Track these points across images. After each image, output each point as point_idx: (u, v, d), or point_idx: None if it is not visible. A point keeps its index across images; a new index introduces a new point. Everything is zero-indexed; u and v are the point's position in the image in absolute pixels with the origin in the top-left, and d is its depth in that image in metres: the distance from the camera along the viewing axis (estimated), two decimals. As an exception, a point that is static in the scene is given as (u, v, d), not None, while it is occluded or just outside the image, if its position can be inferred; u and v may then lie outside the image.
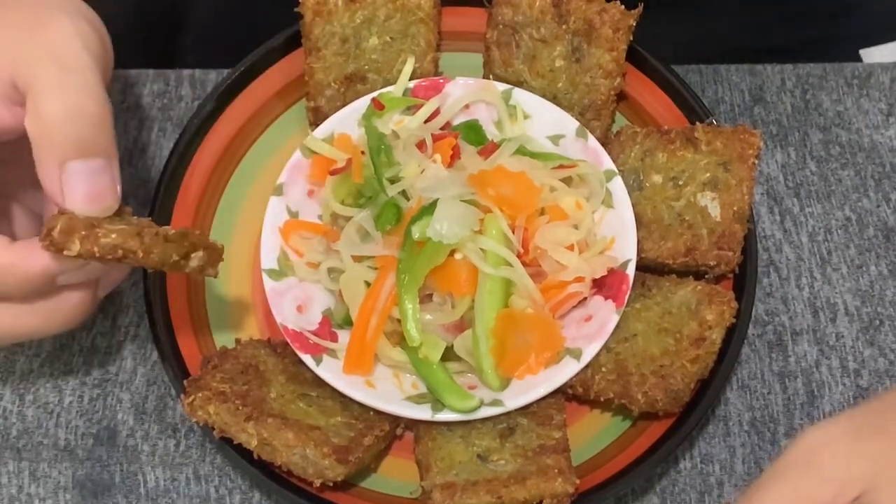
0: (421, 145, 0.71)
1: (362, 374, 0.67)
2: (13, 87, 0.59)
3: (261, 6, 0.89)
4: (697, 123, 0.72)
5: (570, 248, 0.68)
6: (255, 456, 0.64)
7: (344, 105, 0.74)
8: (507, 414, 0.66)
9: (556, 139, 0.74)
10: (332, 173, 0.72)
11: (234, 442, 0.64)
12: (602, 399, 0.67)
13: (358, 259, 0.68)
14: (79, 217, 0.58)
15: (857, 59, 0.85)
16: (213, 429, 0.64)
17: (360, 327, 0.66)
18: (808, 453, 0.55)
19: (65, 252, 0.57)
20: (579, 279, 0.67)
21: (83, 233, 0.57)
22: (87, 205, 0.58)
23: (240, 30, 0.89)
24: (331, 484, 0.64)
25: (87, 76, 0.59)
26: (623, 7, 0.73)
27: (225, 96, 0.76)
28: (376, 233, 0.68)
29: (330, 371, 0.67)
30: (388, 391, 0.67)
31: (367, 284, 0.67)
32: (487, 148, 0.71)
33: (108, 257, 0.58)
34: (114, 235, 0.58)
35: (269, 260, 0.70)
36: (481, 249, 0.66)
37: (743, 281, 0.70)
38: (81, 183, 0.58)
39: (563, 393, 0.68)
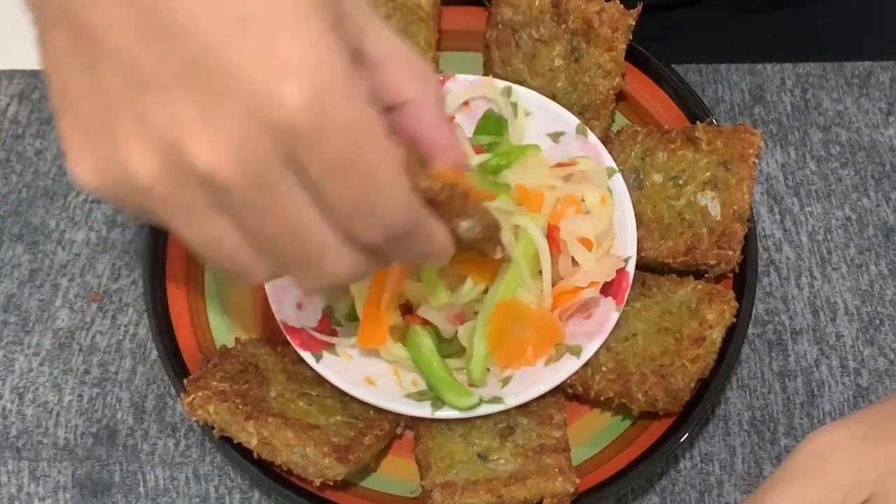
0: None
1: (377, 344, 0.66)
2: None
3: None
4: (697, 123, 0.72)
5: (589, 246, 0.67)
6: (255, 455, 0.64)
7: (344, 104, 0.74)
8: (507, 413, 0.66)
9: (556, 136, 0.74)
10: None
11: (234, 441, 0.64)
12: (602, 398, 0.67)
13: None
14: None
15: (858, 58, 0.85)
16: (213, 428, 0.64)
17: (374, 296, 0.65)
18: (815, 457, 0.55)
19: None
20: (593, 284, 0.67)
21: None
22: (464, 158, 0.56)
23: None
24: (331, 483, 0.64)
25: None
26: (622, 6, 0.73)
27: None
28: None
29: (330, 368, 0.67)
30: (388, 388, 0.67)
31: None
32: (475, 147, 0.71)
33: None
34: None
35: (268, 258, 0.70)
36: (515, 226, 0.65)
37: (743, 280, 0.70)
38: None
39: (563, 392, 0.68)
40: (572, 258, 0.67)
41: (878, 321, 0.75)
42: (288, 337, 0.67)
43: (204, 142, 0.42)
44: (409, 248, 0.49)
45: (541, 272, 0.66)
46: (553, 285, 0.67)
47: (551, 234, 0.67)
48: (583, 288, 0.67)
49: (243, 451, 0.64)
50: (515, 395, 0.66)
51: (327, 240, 0.46)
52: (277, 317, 0.68)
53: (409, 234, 0.48)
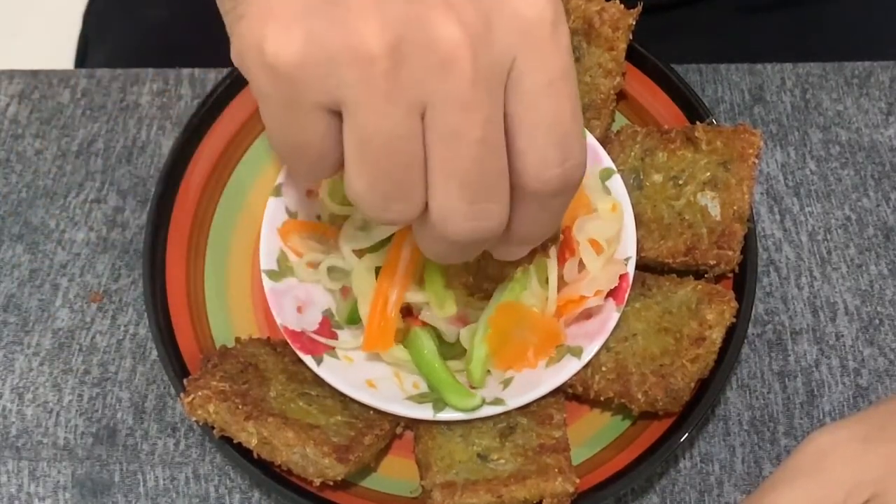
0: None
1: (383, 349, 0.66)
2: None
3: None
4: (697, 123, 0.72)
5: (598, 249, 0.67)
6: (255, 455, 0.64)
7: (344, 104, 0.74)
8: (508, 413, 0.66)
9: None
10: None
11: (234, 441, 0.64)
12: (602, 398, 0.67)
13: (359, 255, 0.68)
14: None
15: (858, 58, 0.85)
16: (213, 428, 0.64)
17: (380, 299, 0.65)
18: (816, 457, 0.55)
19: None
20: (598, 292, 0.66)
21: None
22: None
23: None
24: (331, 483, 0.64)
25: None
26: (622, 6, 0.73)
27: (225, 95, 0.76)
28: None
29: (331, 371, 0.67)
30: (389, 391, 0.67)
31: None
32: None
33: None
34: None
35: (268, 261, 0.70)
36: None
37: (743, 280, 0.70)
38: None
39: (564, 392, 0.68)
40: (579, 261, 0.67)
41: (878, 321, 0.75)
42: (289, 340, 0.67)
43: (450, 22, 0.43)
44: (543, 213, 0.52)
45: (547, 279, 0.66)
46: (557, 291, 0.66)
47: (565, 234, 0.67)
48: (588, 297, 0.66)
49: (243, 451, 0.64)
50: (517, 397, 0.66)
51: (501, 162, 0.47)
52: (278, 320, 0.68)
53: (567, 191, 0.50)
